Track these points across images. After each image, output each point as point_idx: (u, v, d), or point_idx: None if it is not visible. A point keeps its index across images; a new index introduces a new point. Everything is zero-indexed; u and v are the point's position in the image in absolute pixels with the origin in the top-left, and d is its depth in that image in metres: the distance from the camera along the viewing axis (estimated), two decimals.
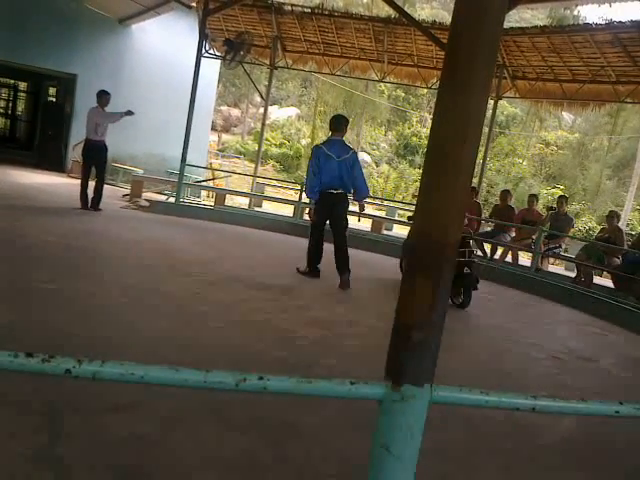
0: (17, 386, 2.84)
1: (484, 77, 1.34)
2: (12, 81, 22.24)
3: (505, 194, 11.80)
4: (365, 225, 14.37)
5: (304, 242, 10.62)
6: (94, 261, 6.36)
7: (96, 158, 9.84)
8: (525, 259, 12.11)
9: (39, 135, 18.24)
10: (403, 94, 36.78)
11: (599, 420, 3.45)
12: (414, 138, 35.52)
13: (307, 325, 5.14)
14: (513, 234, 11.21)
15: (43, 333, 3.74)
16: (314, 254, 7.36)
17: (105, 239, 7.65)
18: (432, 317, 1.34)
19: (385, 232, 13.82)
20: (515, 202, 15.51)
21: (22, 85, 22.54)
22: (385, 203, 21.27)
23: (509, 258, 11.11)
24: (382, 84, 27.43)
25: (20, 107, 23.27)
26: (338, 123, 7.12)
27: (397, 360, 1.34)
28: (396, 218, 16.63)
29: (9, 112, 22.93)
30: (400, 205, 20.88)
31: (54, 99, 19.15)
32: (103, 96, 9.85)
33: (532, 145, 35.98)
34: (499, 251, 11.38)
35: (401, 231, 14.61)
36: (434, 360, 1.37)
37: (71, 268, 5.78)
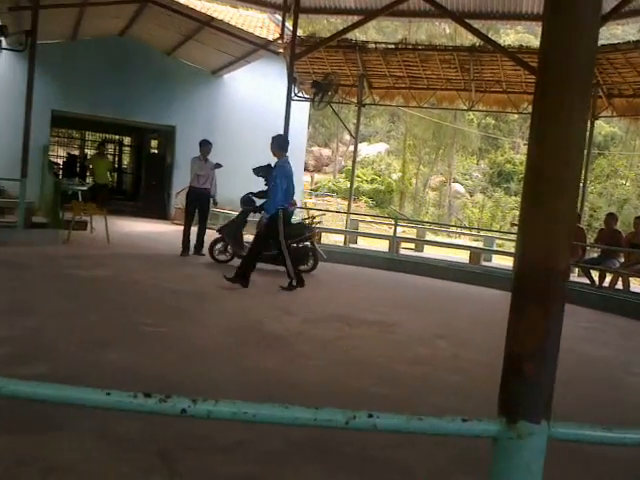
0: (129, 425, 2.95)
1: (582, 97, 1.30)
2: (117, 137, 23.77)
3: (610, 218, 11.24)
4: (461, 257, 14.10)
5: (400, 276, 10.59)
6: (197, 303, 6.57)
7: (198, 205, 10.22)
8: (637, 285, 11.42)
9: (143, 185, 19.28)
10: (493, 121, 36.14)
11: None
12: (508, 165, 34.67)
13: (408, 361, 5.06)
14: (622, 259, 10.61)
15: (152, 373, 3.88)
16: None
17: (206, 282, 7.90)
18: (545, 347, 1.28)
19: (484, 263, 13.47)
20: (621, 225, 14.74)
21: (126, 140, 24.06)
22: (482, 233, 20.74)
23: (620, 285, 10.50)
24: (471, 113, 27.13)
25: (125, 160, 24.76)
26: (287, 143, 7.85)
27: (510, 395, 1.28)
28: (494, 248, 16.19)
29: (115, 166, 24.43)
30: (498, 235, 20.35)
31: (156, 151, 20.25)
32: (204, 145, 10.28)
33: (635, 165, 34.22)
34: (608, 278, 10.78)
35: (501, 262, 14.18)
36: (550, 393, 1.31)
37: (176, 310, 5.99)
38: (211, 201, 10.49)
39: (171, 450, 2.83)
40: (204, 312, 6.21)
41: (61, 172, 19.79)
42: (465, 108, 15.37)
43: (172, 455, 2.79)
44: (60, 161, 22.10)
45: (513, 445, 1.25)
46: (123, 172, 24.35)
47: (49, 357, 4.07)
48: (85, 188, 14.09)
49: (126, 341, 4.70)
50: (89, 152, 23.05)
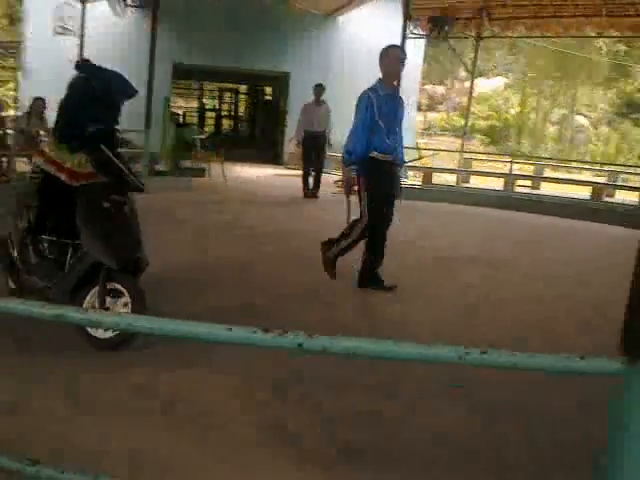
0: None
1: None
2: (233, 85, 24.27)
3: None
4: (582, 194, 13.33)
5: (516, 215, 10.22)
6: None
7: (314, 148, 10.40)
8: None
9: (258, 132, 19.68)
10: (624, 48, 33.23)
11: None
12: (638, 94, 32.00)
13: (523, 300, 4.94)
14: None
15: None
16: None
17: (322, 223, 8.02)
18: None
19: (606, 199, 12.67)
20: None
21: (242, 88, 24.49)
22: (606, 168, 19.37)
23: None
24: (600, 40, 25.12)
25: (241, 108, 25.30)
26: None
27: (636, 332, 1.23)
28: (619, 183, 15.22)
29: (232, 113, 25.07)
30: (623, 169, 18.95)
31: (270, 97, 20.52)
32: (315, 89, 10.45)
33: None
34: None
35: (626, 197, 13.22)
36: None
37: (293, 251, 6.16)
38: (326, 144, 10.65)
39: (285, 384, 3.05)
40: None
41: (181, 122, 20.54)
42: (594, 35, 14.21)
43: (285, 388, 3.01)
44: (180, 112, 22.92)
45: (636, 383, 1.21)
46: (239, 119, 24.97)
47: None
48: (204, 137, 14.61)
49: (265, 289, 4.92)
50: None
